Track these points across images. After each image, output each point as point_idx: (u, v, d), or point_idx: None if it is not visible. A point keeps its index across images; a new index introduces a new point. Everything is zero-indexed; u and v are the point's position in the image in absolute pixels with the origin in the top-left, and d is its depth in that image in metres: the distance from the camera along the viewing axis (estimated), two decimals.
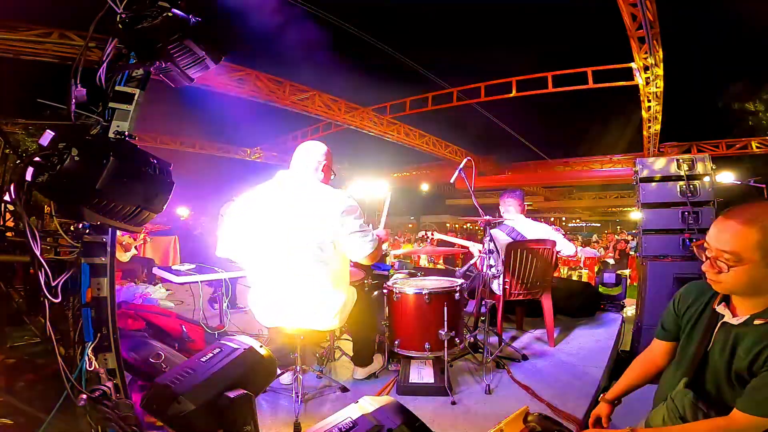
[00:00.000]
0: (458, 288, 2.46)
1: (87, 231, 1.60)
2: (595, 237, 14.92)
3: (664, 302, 2.87)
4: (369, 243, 2.09)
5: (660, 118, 10.01)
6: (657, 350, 1.42)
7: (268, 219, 2.05)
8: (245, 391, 1.42)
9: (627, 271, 8.71)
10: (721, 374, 1.14)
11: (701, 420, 1.12)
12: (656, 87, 8.64)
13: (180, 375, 1.45)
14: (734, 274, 1.07)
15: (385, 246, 2.57)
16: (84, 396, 1.41)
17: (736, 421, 1.04)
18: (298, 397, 2.01)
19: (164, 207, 1.57)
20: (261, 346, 1.61)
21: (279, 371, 2.40)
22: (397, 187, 20.27)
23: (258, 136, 15.09)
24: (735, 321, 1.14)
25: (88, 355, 1.53)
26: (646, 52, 7.59)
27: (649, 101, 9.20)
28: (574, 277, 9.40)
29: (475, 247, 3.75)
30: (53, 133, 1.32)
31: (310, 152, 2.20)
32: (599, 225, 35.13)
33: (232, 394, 1.39)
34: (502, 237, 3.30)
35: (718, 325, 1.18)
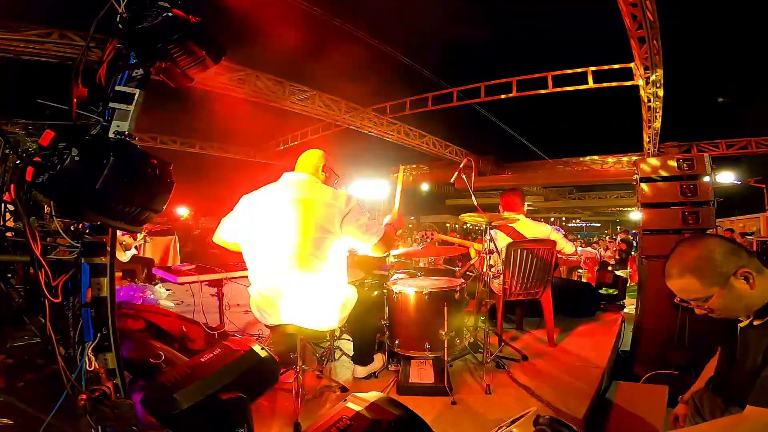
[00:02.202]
0: (458, 288, 2.46)
1: (87, 231, 1.60)
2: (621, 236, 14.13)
3: (664, 302, 2.89)
4: (375, 233, 2.11)
5: (660, 117, 10.01)
6: None
7: (271, 218, 2.06)
8: (239, 395, 1.40)
9: (627, 271, 8.71)
10: (743, 375, 1.20)
11: (717, 419, 1.16)
12: (656, 86, 8.64)
13: (178, 374, 1.45)
14: (715, 307, 1.20)
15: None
16: (84, 396, 1.40)
17: (748, 416, 1.06)
18: (298, 397, 2.01)
19: (164, 207, 1.57)
20: (262, 348, 1.59)
21: (283, 370, 2.41)
22: (396, 187, 20.23)
23: (258, 136, 15.10)
24: (744, 325, 1.26)
25: (88, 355, 1.53)
26: (646, 52, 7.59)
27: (649, 101, 9.20)
28: (574, 277, 9.40)
29: (474, 248, 3.75)
30: (53, 133, 1.32)
31: (310, 156, 2.29)
32: (599, 225, 35.17)
33: (225, 396, 1.37)
34: (502, 237, 3.30)
35: (738, 329, 1.28)
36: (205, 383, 1.40)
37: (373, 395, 1.25)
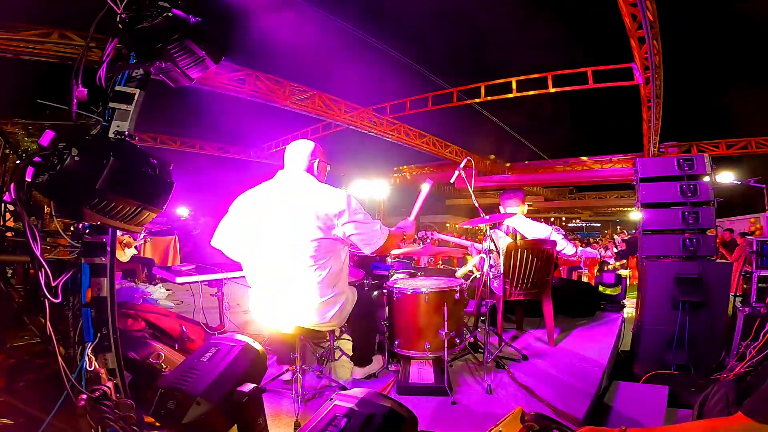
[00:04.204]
0: (458, 288, 2.46)
1: (87, 231, 1.60)
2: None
3: (664, 302, 2.90)
4: (379, 235, 2.11)
5: (660, 117, 10.01)
6: None
7: (267, 219, 2.06)
8: (255, 385, 1.43)
9: (627, 271, 8.70)
10: None
11: (705, 419, 1.12)
12: (656, 86, 8.64)
13: (187, 377, 1.45)
14: None
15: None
16: (84, 396, 1.41)
17: (733, 423, 1.01)
18: (298, 397, 2.01)
19: (164, 207, 1.57)
20: (254, 342, 1.63)
21: (284, 368, 2.41)
22: (397, 187, 20.27)
23: (258, 136, 15.10)
24: None
25: (88, 355, 1.53)
26: (646, 52, 7.59)
27: (649, 101, 9.20)
28: (574, 278, 9.38)
29: (474, 248, 3.75)
30: (53, 133, 1.32)
31: (300, 153, 2.21)
32: (599, 225, 35.16)
33: (244, 389, 1.40)
34: (502, 237, 3.30)
35: None
36: (221, 381, 1.43)
37: (359, 391, 1.26)
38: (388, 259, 3.68)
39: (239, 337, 1.67)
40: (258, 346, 1.63)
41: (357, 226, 2.05)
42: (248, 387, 1.42)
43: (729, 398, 1.26)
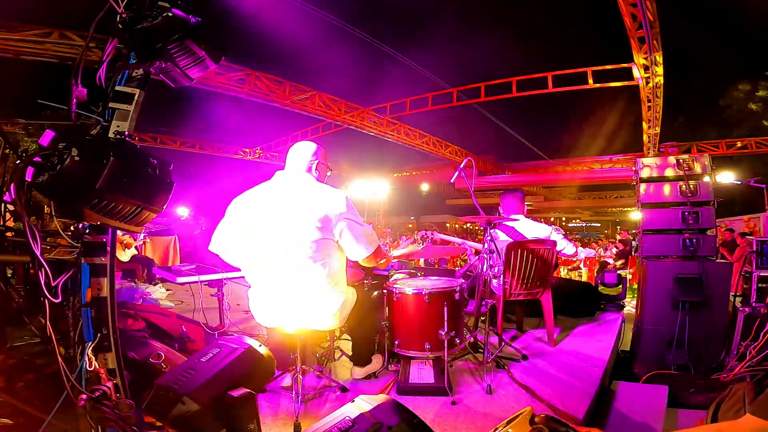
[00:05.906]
0: (458, 288, 2.46)
1: (87, 231, 1.60)
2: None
3: (664, 302, 2.90)
4: (370, 243, 2.10)
5: (660, 117, 10.01)
6: None
7: (266, 219, 2.05)
8: (248, 390, 1.42)
9: (627, 271, 8.72)
10: None
11: (711, 424, 1.11)
12: (656, 86, 8.64)
13: (182, 376, 1.45)
14: None
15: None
16: (84, 396, 1.41)
17: (743, 424, 1.00)
18: (298, 397, 2.01)
19: (164, 207, 1.57)
20: (260, 345, 1.62)
21: (279, 372, 2.41)
22: (397, 187, 20.27)
23: (258, 136, 15.12)
24: None
25: (88, 355, 1.53)
26: (646, 52, 7.59)
27: (649, 101, 9.21)
28: (574, 277, 9.42)
29: (473, 248, 3.75)
30: (53, 133, 1.32)
31: (302, 153, 2.22)
32: (599, 225, 35.19)
33: (235, 393, 1.39)
34: (502, 237, 3.30)
35: None
36: (213, 382, 1.42)
37: (380, 398, 1.25)
38: None
39: (246, 339, 1.65)
40: (264, 350, 1.61)
41: (351, 226, 2.05)
42: (240, 392, 1.40)
43: (747, 400, 1.24)
